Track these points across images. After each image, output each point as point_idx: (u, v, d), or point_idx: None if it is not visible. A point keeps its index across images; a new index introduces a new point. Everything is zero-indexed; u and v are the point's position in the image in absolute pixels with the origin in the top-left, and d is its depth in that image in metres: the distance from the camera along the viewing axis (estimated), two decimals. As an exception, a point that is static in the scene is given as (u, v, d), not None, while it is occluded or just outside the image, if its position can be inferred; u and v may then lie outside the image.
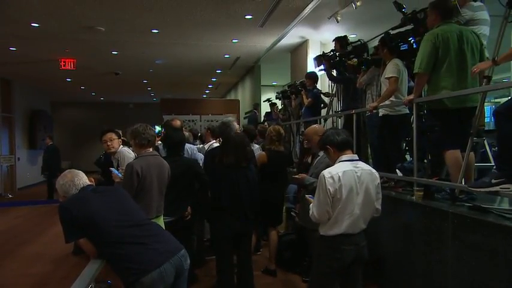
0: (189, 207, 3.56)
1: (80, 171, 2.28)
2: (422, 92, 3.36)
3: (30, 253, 5.49)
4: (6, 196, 10.87)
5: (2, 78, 11.26)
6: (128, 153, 3.73)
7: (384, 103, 3.89)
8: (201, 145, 5.28)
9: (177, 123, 4.59)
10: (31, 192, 11.96)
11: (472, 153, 3.14)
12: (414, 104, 3.34)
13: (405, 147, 4.29)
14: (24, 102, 12.78)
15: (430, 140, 3.36)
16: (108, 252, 2.08)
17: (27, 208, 9.14)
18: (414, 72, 3.17)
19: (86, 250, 2.15)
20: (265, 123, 7.07)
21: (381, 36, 4.10)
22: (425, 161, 3.62)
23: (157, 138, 4.10)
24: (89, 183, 2.27)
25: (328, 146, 2.56)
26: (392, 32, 3.90)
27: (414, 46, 3.70)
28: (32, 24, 6.71)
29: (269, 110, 9.26)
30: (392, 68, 3.81)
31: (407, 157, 4.26)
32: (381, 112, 3.96)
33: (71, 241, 2.11)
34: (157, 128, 4.62)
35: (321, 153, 3.06)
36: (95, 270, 2.06)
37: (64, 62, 9.03)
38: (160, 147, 4.14)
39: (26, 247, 5.79)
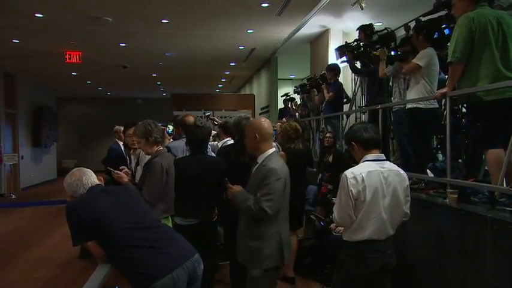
0: (216, 208, 3.57)
1: (89, 170, 2.31)
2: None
3: (34, 256, 5.59)
4: (9, 196, 11.08)
5: (5, 73, 11.49)
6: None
7: (412, 97, 3.85)
8: (215, 142, 5.28)
9: (190, 119, 4.60)
10: (35, 192, 12.20)
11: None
12: (447, 98, 3.27)
13: (437, 145, 4.21)
14: (28, 97, 13.02)
15: (469, 138, 3.27)
16: (117, 256, 2.10)
17: (32, 209, 9.33)
18: (448, 61, 3.09)
19: (94, 253, 2.18)
20: (283, 119, 7.04)
21: (408, 23, 4.04)
22: (460, 160, 3.54)
23: (169, 137, 4.14)
24: (98, 182, 2.30)
25: (353, 142, 2.52)
26: (423, 19, 3.84)
27: (446, 33, 3.63)
28: (36, 15, 6.82)
29: (283, 106, 9.22)
30: (420, 56, 3.78)
31: (440, 156, 4.18)
32: (409, 105, 3.92)
33: (78, 244, 2.15)
34: (171, 128, 4.63)
35: (261, 160, 2.66)
36: (103, 275, 2.09)
37: (69, 55, 9.16)
38: (172, 145, 4.16)
39: (30, 250, 5.90)
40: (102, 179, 2.39)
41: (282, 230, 2.59)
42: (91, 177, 2.27)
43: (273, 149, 2.68)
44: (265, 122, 2.69)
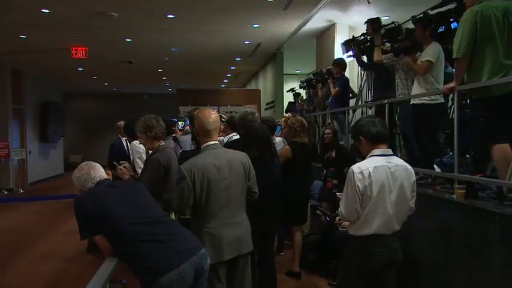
0: None
1: (97, 164, 2.33)
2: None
3: (42, 250, 5.65)
4: (17, 191, 11.19)
5: (13, 68, 11.55)
6: (137, 147, 3.85)
7: (418, 92, 3.82)
8: (221, 138, 5.28)
9: None
10: (43, 187, 12.30)
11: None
12: (456, 93, 3.24)
13: (445, 140, 4.19)
14: (35, 93, 13.09)
15: (474, 133, 3.24)
16: (124, 251, 2.11)
17: (39, 204, 9.42)
18: (453, 57, 3.07)
19: (101, 247, 2.19)
20: (288, 114, 7.03)
21: (417, 17, 4.00)
22: (468, 155, 3.51)
23: (180, 132, 4.17)
24: (106, 176, 2.32)
25: (361, 137, 2.51)
26: (431, 13, 3.80)
27: (452, 27, 3.59)
28: (43, 11, 6.85)
29: (292, 100, 9.21)
30: (430, 51, 3.75)
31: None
32: (414, 101, 3.90)
33: (86, 238, 2.16)
34: (181, 123, 4.65)
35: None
36: (110, 269, 2.09)
37: (76, 50, 9.19)
38: (181, 139, 4.18)
39: (38, 244, 5.96)
40: (110, 173, 2.41)
41: (206, 227, 2.45)
42: (99, 172, 2.28)
43: (210, 143, 2.55)
44: (209, 116, 2.54)
